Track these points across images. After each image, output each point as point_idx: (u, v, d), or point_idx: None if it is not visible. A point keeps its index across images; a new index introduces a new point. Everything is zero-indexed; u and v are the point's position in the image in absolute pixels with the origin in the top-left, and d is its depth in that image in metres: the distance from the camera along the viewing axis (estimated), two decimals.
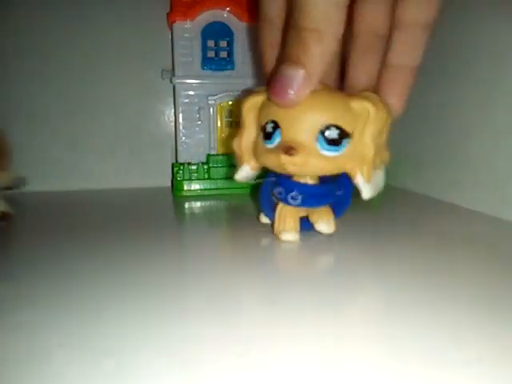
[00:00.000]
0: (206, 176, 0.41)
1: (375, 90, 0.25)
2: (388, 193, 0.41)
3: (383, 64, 0.25)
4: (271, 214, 0.27)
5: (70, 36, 0.42)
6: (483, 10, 0.31)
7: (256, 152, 0.25)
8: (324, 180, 0.25)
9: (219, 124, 0.41)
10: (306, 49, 0.21)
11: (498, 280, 0.20)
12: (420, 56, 0.25)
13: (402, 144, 0.43)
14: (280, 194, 0.25)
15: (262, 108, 0.25)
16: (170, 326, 0.16)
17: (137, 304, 0.18)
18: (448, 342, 0.15)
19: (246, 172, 0.26)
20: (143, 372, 0.13)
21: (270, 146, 0.24)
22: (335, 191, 0.26)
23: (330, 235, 0.27)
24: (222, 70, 0.41)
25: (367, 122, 0.22)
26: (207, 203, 0.38)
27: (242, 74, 0.41)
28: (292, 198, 0.25)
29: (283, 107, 0.22)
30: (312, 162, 0.23)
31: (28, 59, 0.41)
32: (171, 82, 0.41)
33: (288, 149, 0.22)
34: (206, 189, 0.41)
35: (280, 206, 0.26)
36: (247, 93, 0.26)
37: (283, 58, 0.22)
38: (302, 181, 0.25)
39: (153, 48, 0.44)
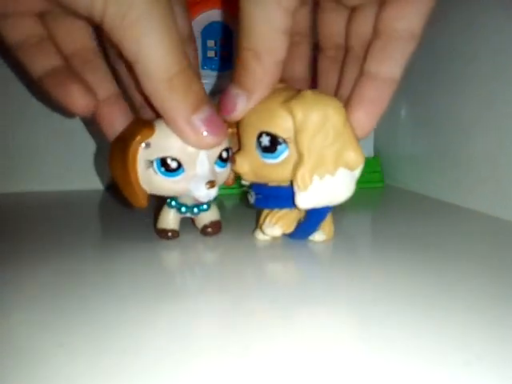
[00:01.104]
0: None
1: (346, 102, 0.23)
2: (388, 193, 0.42)
3: (359, 73, 0.23)
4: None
5: None
6: (486, 7, 0.31)
7: None
8: None
9: None
10: (246, 69, 0.21)
11: (497, 280, 0.20)
12: (400, 68, 0.22)
13: (402, 144, 0.43)
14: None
15: None
16: (170, 325, 0.16)
17: (137, 304, 0.18)
18: (448, 341, 0.15)
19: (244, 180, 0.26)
20: (143, 372, 0.13)
21: None
22: None
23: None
24: (222, 69, 0.41)
25: (296, 126, 0.21)
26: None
27: None
28: (251, 196, 0.25)
29: (229, 121, 0.23)
30: (257, 171, 0.23)
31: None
32: None
33: (232, 159, 0.24)
34: None
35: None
36: None
37: (232, 76, 0.22)
38: (271, 184, 0.24)
39: None
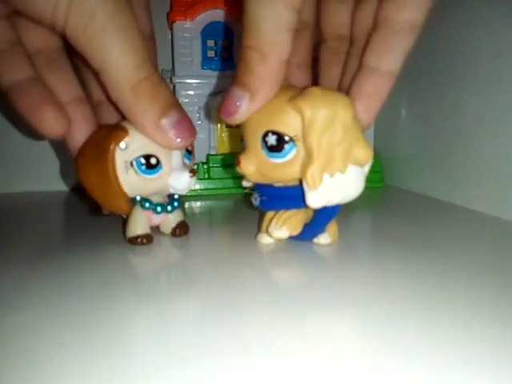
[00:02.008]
0: (206, 176, 0.41)
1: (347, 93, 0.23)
2: (388, 193, 0.42)
3: (359, 66, 0.23)
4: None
5: None
6: (483, 8, 0.31)
7: None
8: None
9: (219, 124, 0.41)
10: (249, 69, 0.20)
11: (497, 280, 0.20)
12: (400, 61, 0.22)
13: (402, 144, 0.43)
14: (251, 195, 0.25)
15: None
16: (170, 326, 0.16)
17: (137, 304, 0.18)
18: (448, 342, 0.15)
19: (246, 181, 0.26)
20: (143, 372, 0.13)
21: None
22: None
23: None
24: (222, 69, 0.41)
25: (305, 124, 0.20)
26: (207, 203, 0.38)
27: None
28: (254, 198, 0.25)
29: (231, 123, 0.22)
30: (263, 171, 0.22)
31: None
32: (171, 81, 0.41)
33: (236, 160, 0.23)
34: (205, 189, 0.41)
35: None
36: None
37: (234, 77, 0.21)
38: (277, 184, 0.24)
39: None
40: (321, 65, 0.26)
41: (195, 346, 0.15)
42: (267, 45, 0.19)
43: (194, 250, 0.26)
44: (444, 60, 0.35)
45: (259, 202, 0.24)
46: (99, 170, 0.23)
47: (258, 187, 0.25)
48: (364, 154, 0.21)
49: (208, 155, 0.41)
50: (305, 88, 0.21)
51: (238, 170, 0.23)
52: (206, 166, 0.41)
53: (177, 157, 0.24)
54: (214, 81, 0.40)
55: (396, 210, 0.36)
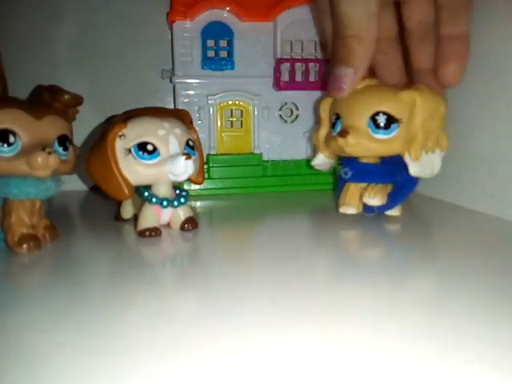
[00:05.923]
0: (206, 176, 0.41)
1: (435, 65, 0.29)
2: None
3: (438, 40, 0.29)
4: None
5: (71, 35, 0.42)
6: (484, 7, 0.31)
7: (327, 141, 0.30)
8: (387, 163, 0.29)
9: (219, 124, 0.41)
10: (350, 51, 0.27)
11: (498, 280, 0.20)
12: (465, 23, 0.28)
13: None
14: (339, 170, 0.30)
15: (331, 106, 0.30)
16: (171, 325, 0.16)
17: (139, 304, 0.18)
18: (448, 341, 0.15)
19: (320, 159, 0.32)
20: (143, 372, 0.13)
21: (334, 133, 0.29)
22: (391, 174, 0.29)
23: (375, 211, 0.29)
24: (222, 69, 0.41)
25: (415, 109, 0.26)
26: (207, 203, 0.38)
27: (242, 73, 0.41)
28: (344, 173, 0.29)
29: (340, 98, 0.28)
30: (364, 143, 0.27)
31: (22, 57, 0.42)
32: (171, 81, 0.41)
33: (342, 132, 0.27)
34: (205, 189, 0.41)
35: (346, 184, 0.30)
36: (324, 95, 0.32)
37: (334, 60, 0.28)
38: (360, 160, 0.29)
39: (153, 48, 0.44)
40: (413, 52, 0.31)
41: (197, 347, 0.15)
42: (362, 29, 0.26)
43: (194, 249, 0.26)
44: None
45: (350, 176, 0.29)
46: (101, 159, 0.25)
47: (348, 164, 0.29)
48: (446, 142, 0.28)
49: (208, 155, 0.41)
50: (409, 84, 0.28)
51: (342, 141, 0.27)
52: (206, 166, 0.41)
53: (174, 145, 0.26)
54: (213, 80, 0.40)
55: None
